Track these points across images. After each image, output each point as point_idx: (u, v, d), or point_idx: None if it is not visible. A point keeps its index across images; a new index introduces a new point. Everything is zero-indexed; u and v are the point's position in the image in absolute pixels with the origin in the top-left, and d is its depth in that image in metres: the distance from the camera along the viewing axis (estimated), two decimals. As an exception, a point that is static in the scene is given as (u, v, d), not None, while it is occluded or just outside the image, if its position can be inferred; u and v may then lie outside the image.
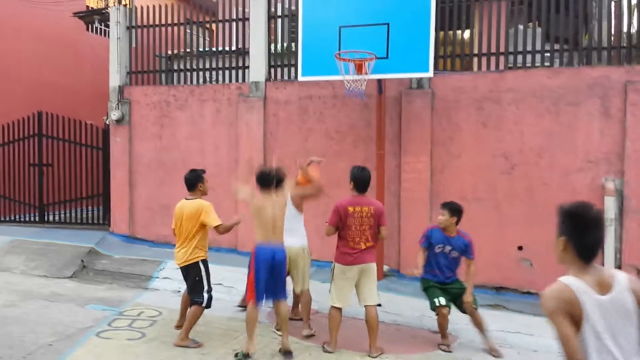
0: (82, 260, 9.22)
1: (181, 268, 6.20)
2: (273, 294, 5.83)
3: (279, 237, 5.86)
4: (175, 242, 6.31)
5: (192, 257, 6.09)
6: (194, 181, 6.30)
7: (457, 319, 6.64)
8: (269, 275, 5.69)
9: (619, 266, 7.65)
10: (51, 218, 12.54)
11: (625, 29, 8.33)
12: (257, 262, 5.70)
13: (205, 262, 6.19)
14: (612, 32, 8.36)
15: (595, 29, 8.56)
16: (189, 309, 6.21)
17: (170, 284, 8.43)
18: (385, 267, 8.73)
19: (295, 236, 6.48)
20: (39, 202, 12.56)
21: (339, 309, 5.90)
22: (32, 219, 12.55)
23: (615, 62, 8.22)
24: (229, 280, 8.42)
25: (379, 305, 7.21)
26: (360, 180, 5.96)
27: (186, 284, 6.29)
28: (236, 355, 5.66)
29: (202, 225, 6.07)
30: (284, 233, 5.93)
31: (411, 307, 7.42)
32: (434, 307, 6.09)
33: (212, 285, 6.21)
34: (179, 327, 6.42)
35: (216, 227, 6.03)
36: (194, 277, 6.10)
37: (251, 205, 5.88)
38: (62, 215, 12.38)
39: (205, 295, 6.08)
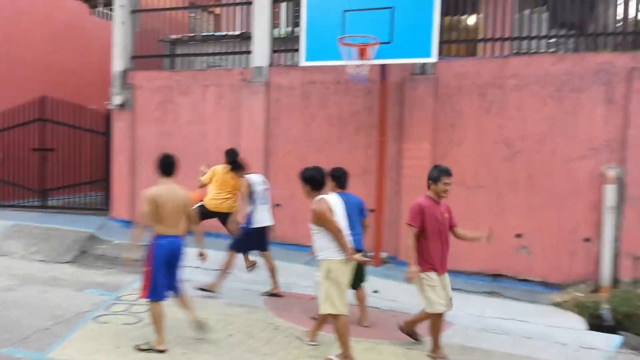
0: (82, 246, 9.25)
1: None
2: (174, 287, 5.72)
3: (179, 229, 5.64)
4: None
5: None
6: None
7: (457, 307, 6.61)
8: (170, 268, 5.61)
9: (616, 254, 7.60)
10: (53, 203, 12.58)
11: (631, 15, 8.19)
12: (158, 256, 5.52)
13: None
14: (619, 17, 8.23)
15: (601, 14, 8.43)
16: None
17: (170, 269, 8.43)
18: (383, 254, 8.71)
19: None
20: (41, 187, 12.60)
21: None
22: (33, 203, 12.60)
23: (621, 49, 8.09)
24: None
25: (376, 292, 7.25)
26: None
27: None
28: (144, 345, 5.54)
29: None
30: None
31: (408, 294, 7.37)
32: None
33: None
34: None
35: None
36: None
37: (149, 195, 5.50)
38: (64, 200, 12.42)
39: None
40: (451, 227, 5.62)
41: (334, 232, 5.16)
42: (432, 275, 5.45)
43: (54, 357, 5.35)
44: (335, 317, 5.26)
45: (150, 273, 5.52)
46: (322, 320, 5.66)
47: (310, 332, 5.87)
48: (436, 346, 5.55)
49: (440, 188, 5.48)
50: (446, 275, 5.57)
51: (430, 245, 5.48)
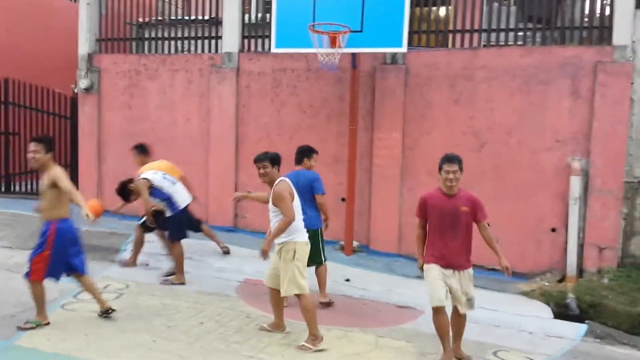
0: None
1: None
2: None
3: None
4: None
5: None
6: None
7: (424, 293, 6.73)
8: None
9: (581, 245, 7.81)
10: (17, 188, 12.29)
11: (598, 10, 8.36)
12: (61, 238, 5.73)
13: None
14: (586, 12, 8.39)
15: (569, 8, 8.57)
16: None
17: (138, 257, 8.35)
18: (355, 243, 8.77)
19: None
20: (4, 171, 12.29)
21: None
22: (-1, 188, 12.30)
23: (587, 43, 8.27)
24: (198, 254, 8.38)
25: (347, 280, 7.31)
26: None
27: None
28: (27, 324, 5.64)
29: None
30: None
31: (379, 282, 7.50)
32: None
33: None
34: None
35: None
36: None
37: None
38: (29, 186, 12.15)
39: None
40: (476, 221, 5.21)
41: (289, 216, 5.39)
42: (433, 267, 5.14)
43: (20, 345, 5.27)
44: (300, 296, 5.44)
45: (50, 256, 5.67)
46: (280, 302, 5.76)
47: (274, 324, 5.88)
48: (445, 349, 5.16)
49: (442, 177, 5.14)
50: (462, 272, 5.15)
51: (432, 237, 5.22)
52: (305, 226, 5.79)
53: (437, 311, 5.09)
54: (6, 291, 6.70)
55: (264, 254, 5.51)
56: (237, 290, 7.22)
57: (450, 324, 5.21)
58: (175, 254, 7.45)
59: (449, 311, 5.20)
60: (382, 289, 7.34)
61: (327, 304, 6.65)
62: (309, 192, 6.56)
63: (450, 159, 5.16)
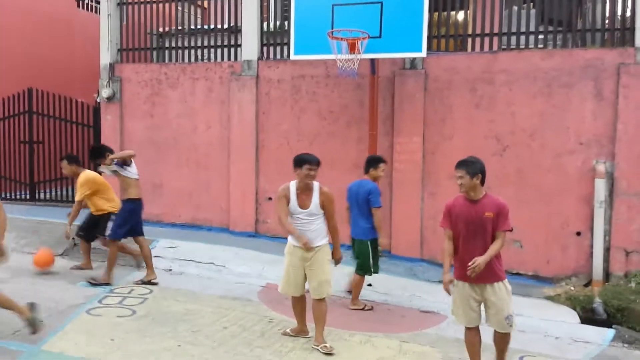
0: (73, 239, 9.17)
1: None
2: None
3: None
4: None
5: None
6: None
7: (448, 299, 6.70)
8: None
9: (607, 248, 7.71)
10: (42, 196, 12.46)
11: (619, 11, 8.29)
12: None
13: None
14: (606, 14, 8.32)
15: (589, 10, 8.52)
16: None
17: (161, 262, 8.41)
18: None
19: None
20: (29, 179, 12.48)
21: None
22: (22, 196, 12.47)
23: (609, 45, 8.19)
24: (220, 260, 8.43)
25: (369, 285, 7.30)
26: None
27: None
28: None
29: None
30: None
31: (401, 287, 7.47)
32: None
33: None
34: None
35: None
36: None
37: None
38: (54, 193, 12.32)
39: None
40: (494, 229, 4.68)
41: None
42: (458, 284, 4.81)
43: (47, 349, 5.32)
44: (324, 299, 5.53)
45: None
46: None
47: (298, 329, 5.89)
48: None
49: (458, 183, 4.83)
50: (493, 285, 4.69)
51: (460, 249, 4.79)
52: (358, 236, 6.42)
53: (468, 331, 4.88)
54: (33, 297, 6.75)
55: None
56: (259, 295, 7.24)
57: (493, 340, 4.94)
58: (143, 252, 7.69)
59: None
60: (404, 294, 7.31)
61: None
62: (366, 204, 6.62)
63: (458, 163, 4.90)
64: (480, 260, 4.54)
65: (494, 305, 4.68)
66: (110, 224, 7.78)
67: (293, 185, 5.50)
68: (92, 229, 7.99)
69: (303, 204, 5.44)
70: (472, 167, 4.80)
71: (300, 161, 5.44)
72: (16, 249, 9.05)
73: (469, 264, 4.57)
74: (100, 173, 8.07)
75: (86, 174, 7.77)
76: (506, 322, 4.67)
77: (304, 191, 5.47)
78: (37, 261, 7.91)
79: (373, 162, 6.89)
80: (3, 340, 5.46)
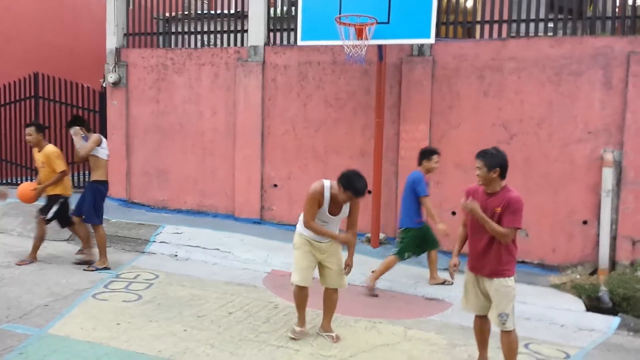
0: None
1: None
2: None
3: None
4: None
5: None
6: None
7: (454, 287, 6.71)
8: None
9: (614, 237, 7.68)
10: (48, 181, 12.45)
11: (630, 0, 8.21)
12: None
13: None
14: (617, 2, 8.22)
15: (599, -2, 8.42)
16: None
17: (167, 248, 8.45)
18: (382, 235, 8.75)
19: None
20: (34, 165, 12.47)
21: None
22: (29, 181, 12.46)
23: (619, 33, 8.11)
24: (225, 246, 8.44)
25: (374, 272, 7.29)
26: None
27: None
28: None
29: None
30: None
31: (406, 274, 7.47)
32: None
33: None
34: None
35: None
36: None
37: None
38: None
39: None
40: (500, 224, 4.51)
41: None
42: (466, 272, 4.82)
43: (53, 333, 5.34)
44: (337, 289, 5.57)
45: None
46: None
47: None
48: (479, 355, 4.95)
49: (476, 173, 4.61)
50: (492, 280, 4.58)
51: (469, 239, 4.75)
52: (404, 225, 6.95)
53: (475, 316, 4.88)
54: (39, 281, 6.82)
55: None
56: (264, 281, 7.25)
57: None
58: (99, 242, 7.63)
59: None
60: (409, 281, 7.31)
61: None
62: (412, 193, 6.87)
63: (478, 153, 4.57)
64: (474, 206, 4.49)
65: (492, 299, 4.62)
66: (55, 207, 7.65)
67: (328, 190, 5.21)
68: (61, 212, 7.77)
69: (333, 212, 5.27)
70: (491, 160, 4.47)
71: (351, 190, 5.07)
72: (22, 234, 9.12)
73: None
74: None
75: (56, 148, 7.71)
76: (499, 319, 4.54)
77: (337, 200, 5.25)
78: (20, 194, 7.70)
79: (427, 153, 6.97)
80: (9, 324, 5.49)
